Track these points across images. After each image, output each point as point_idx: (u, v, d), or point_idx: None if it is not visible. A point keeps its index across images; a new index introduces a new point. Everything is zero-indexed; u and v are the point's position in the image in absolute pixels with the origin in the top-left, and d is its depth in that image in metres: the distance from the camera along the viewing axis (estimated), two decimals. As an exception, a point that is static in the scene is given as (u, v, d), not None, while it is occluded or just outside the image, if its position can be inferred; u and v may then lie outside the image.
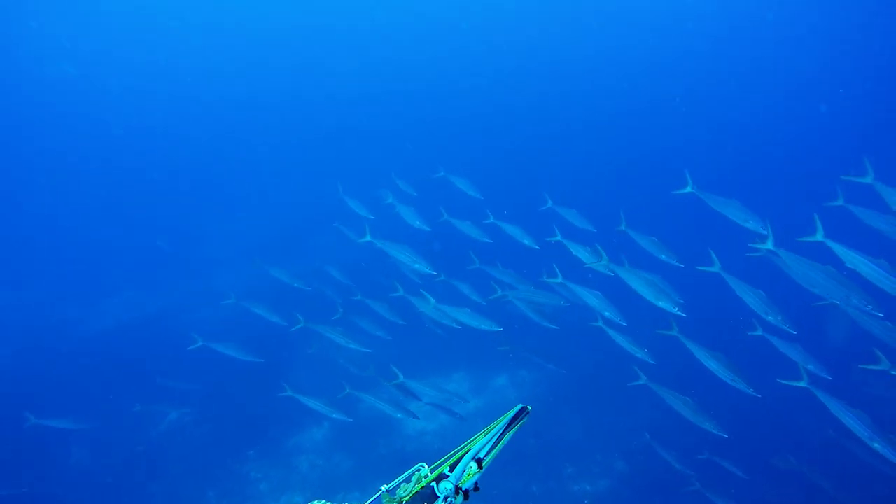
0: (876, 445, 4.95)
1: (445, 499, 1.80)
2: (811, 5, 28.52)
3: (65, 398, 11.49)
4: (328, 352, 11.98)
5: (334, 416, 8.32)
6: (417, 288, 9.12)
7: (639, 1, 30.88)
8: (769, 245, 5.51)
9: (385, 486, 1.86)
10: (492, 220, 9.19)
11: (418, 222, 9.44)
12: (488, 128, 24.08)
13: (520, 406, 2.20)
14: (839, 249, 5.15)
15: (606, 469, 9.12)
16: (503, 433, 2.08)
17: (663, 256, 6.97)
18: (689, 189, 6.91)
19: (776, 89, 24.52)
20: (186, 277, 16.90)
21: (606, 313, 6.86)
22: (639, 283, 6.28)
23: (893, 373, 5.30)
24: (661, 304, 6.17)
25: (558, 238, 8.04)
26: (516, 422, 2.14)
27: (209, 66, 33.89)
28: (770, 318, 5.73)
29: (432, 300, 8.13)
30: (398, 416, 8.22)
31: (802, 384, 5.59)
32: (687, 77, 26.46)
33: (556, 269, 7.66)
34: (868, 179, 5.61)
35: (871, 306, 5.05)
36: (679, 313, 6.13)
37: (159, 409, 11.39)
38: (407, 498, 1.79)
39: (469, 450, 1.98)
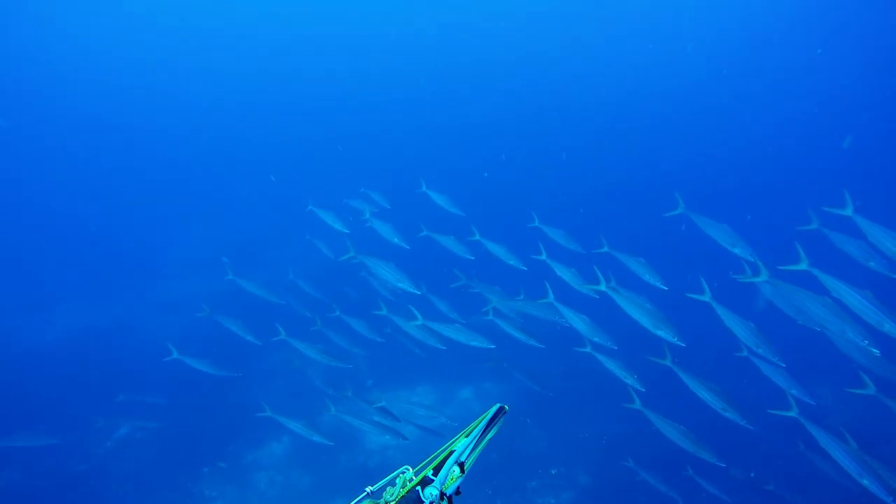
0: (865, 482, 4.78)
1: None
2: (804, 27, 28.72)
3: (10, 413, 10.47)
4: (295, 363, 11.43)
5: (315, 438, 7.88)
6: (389, 301, 8.77)
7: (633, 17, 30.81)
8: (764, 277, 5.33)
9: (370, 487, 1.82)
10: (477, 237, 8.75)
11: (396, 239, 8.85)
12: (478, 141, 23.18)
13: (497, 405, 2.13)
14: (825, 279, 4.99)
15: (570, 482, 8.96)
16: (483, 434, 2.01)
17: (647, 277, 6.71)
18: (679, 210, 6.75)
19: (769, 110, 24.34)
20: (141, 286, 15.91)
21: (596, 338, 6.53)
22: (637, 311, 5.97)
23: (880, 397, 5.19)
24: (661, 333, 5.86)
25: (543, 257, 7.74)
26: (495, 422, 2.07)
27: (172, 66, 32.55)
28: (760, 351, 5.54)
29: (420, 318, 7.67)
30: (386, 437, 7.83)
31: (792, 414, 5.44)
32: (681, 95, 26.11)
33: (549, 289, 7.20)
34: (848, 212, 5.46)
35: (867, 342, 4.83)
36: (679, 343, 5.82)
37: (114, 422, 10.54)
38: (393, 502, 1.73)
39: (451, 452, 1.91)
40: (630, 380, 6.31)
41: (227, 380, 9.61)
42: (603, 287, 6.38)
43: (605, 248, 7.39)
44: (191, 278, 16.04)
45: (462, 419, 10.32)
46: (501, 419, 2.11)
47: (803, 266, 5.18)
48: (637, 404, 6.46)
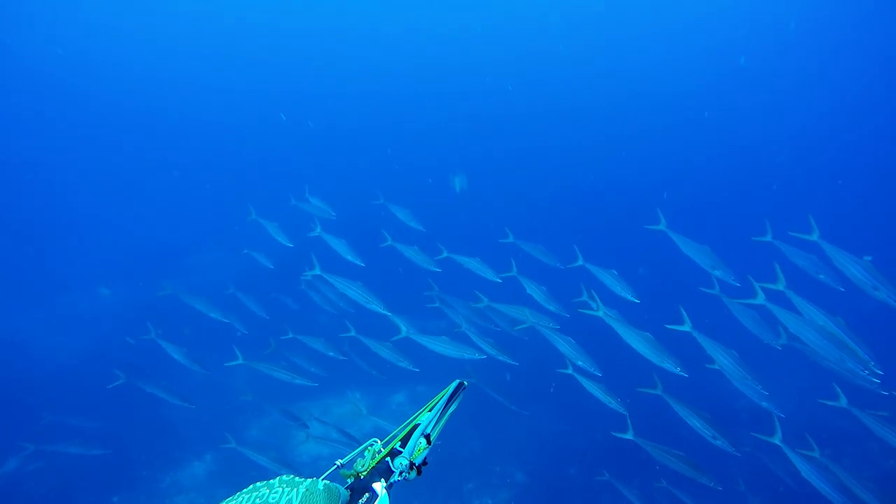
0: None
1: (400, 473, 1.73)
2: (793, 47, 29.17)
3: None
4: (220, 381, 10.27)
5: (283, 472, 7.04)
6: (329, 314, 7.99)
7: (620, 24, 30.22)
8: (760, 300, 5.18)
9: (340, 460, 1.77)
10: (445, 254, 8.03)
11: (350, 255, 7.94)
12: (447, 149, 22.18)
13: (457, 381, 2.11)
14: (798, 301, 4.92)
15: (507, 481, 8.73)
16: (445, 408, 2.00)
17: (618, 289, 6.44)
18: (661, 227, 6.49)
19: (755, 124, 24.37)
20: (29, 301, 13.62)
21: (579, 362, 6.11)
22: (637, 341, 5.56)
23: (852, 409, 5.12)
24: (665, 364, 5.41)
25: (514, 273, 7.32)
26: (455, 397, 2.07)
27: (82, 59, 28.74)
28: (745, 381, 5.37)
29: (404, 330, 6.93)
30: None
31: (776, 440, 5.26)
32: (664, 107, 25.78)
33: (527, 315, 6.74)
34: (814, 237, 5.42)
35: (867, 371, 4.69)
36: (681, 373, 5.42)
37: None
38: (365, 472, 1.68)
39: (416, 425, 1.88)
40: (613, 404, 5.93)
41: (142, 397, 8.34)
42: (601, 314, 5.92)
43: (580, 262, 7.03)
44: (101, 287, 14.05)
45: (397, 424, 9.72)
46: (462, 394, 2.09)
47: (780, 286, 5.10)
48: (629, 433, 6.03)
